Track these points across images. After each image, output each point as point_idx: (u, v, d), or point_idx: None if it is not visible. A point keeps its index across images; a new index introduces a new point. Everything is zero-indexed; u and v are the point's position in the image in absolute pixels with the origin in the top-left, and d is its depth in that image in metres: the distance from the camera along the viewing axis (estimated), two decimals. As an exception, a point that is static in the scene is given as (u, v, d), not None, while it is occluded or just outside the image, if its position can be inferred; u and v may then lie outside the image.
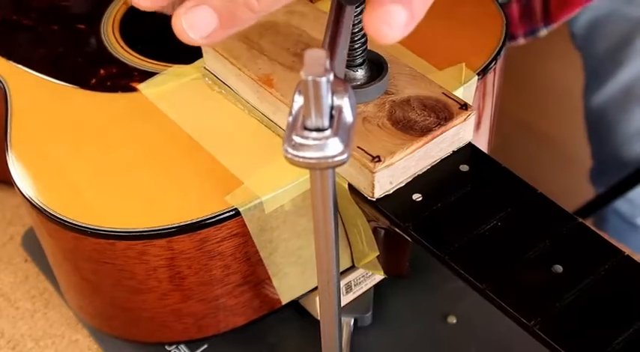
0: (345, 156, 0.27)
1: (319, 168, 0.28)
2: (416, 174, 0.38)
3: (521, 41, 0.74)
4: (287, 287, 0.43)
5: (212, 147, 0.41)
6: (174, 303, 0.41)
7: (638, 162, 0.82)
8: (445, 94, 0.40)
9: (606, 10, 0.76)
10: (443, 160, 0.39)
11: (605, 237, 0.36)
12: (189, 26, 0.30)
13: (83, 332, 0.49)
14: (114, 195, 0.39)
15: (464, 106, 0.39)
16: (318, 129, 0.27)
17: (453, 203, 0.37)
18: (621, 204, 0.86)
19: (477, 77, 0.43)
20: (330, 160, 0.27)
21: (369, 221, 0.40)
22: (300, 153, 0.27)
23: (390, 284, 0.48)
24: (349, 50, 0.39)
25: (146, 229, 0.37)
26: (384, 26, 0.29)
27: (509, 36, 0.74)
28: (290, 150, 0.27)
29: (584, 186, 0.95)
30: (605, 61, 0.79)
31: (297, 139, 0.27)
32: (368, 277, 0.46)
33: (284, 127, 0.41)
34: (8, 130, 0.43)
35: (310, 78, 0.26)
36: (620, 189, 0.85)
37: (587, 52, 0.82)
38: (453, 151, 0.39)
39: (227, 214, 0.37)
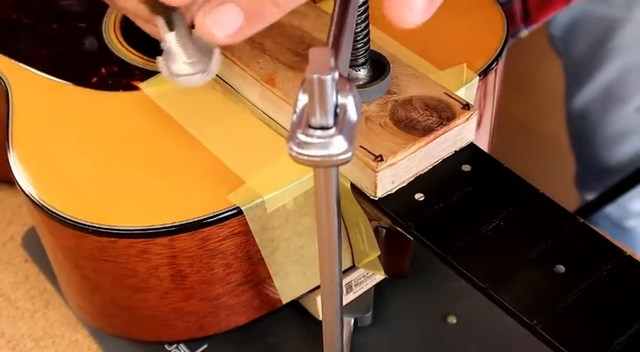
0: (349, 154, 0.27)
1: (323, 166, 0.28)
2: (418, 174, 0.38)
3: None
4: (288, 286, 0.43)
5: (214, 145, 0.41)
6: (175, 302, 0.41)
7: (620, 165, 0.82)
8: (447, 94, 0.40)
9: (582, 10, 0.76)
10: (445, 160, 0.39)
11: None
12: (214, 24, 0.30)
13: (83, 332, 0.49)
14: (115, 193, 0.39)
15: (466, 106, 0.39)
16: (323, 128, 0.27)
17: (455, 203, 0.37)
18: (609, 207, 0.87)
19: (478, 78, 0.43)
20: (334, 158, 0.27)
21: (370, 220, 0.40)
22: (305, 151, 0.27)
23: (390, 284, 0.48)
24: (352, 50, 0.39)
25: (148, 227, 0.37)
26: (405, 10, 0.29)
27: None
28: (295, 148, 0.27)
29: (576, 191, 0.96)
30: (584, 62, 0.79)
31: (301, 137, 0.27)
32: (368, 277, 0.46)
33: (286, 126, 0.41)
34: (9, 129, 0.43)
35: (315, 76, 0.26)
36: (610, 195, 0.85)
37: (566, 55, 0.82)
38: (455, 151, 0.39)
39: (229, 213, 0.37)
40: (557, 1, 0.71)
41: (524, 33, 0.73)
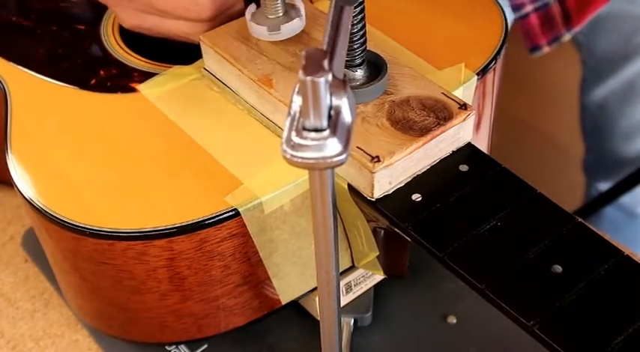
0: (343, 156, 0.27)
1: (318, 169, 0.28)
2: (415, 175, 0.38)
3: (545, 50, 0.74)
4: (287, 287, 0.43)
5: (211, 147, 0.41)
6: (174, 304, 0.41)
7: (638, 156, 0.82)
8: (444, 94, 0.40)
9: (608, 8, 0.76)
10: (442, 160, 0.39)
11: (601, 231, 0.36)
12: None
13: (83, 332, 0.49)
14: (113, 196, 0.39)
15: (463, 106, 0.39)
16: (317, 130, 0.27)
17: (453, 203, 0.37)
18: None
19: (476, 77, 0.43)
20: (328, 160, 0.27)
21: (368, 221, 0.40)
22: (299, 154, 0.27)
23: (390, 284, 0.48)
24: (348, 50, 0.39)
25: (146, 229, 0.37)
26: None
27: (532, 48, 0.74)
28: (289, 150, 0.27)
29: (582, 184, 0.95)
30: (609, 56, 0.79)
31: (295, 140, 0.27)
32: (368, 277, 0.46)
33: (283, 127, 0.41)
34: (8, 131, 0.43)
35: (308, 78, 0.25)
36: (626, 185, 0.85)
37: (587, 49, 0.82)
38: (453, 151, 0.39)
39: (227, 214, 0.38)
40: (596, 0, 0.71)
41: (567, 37, 0.73)
